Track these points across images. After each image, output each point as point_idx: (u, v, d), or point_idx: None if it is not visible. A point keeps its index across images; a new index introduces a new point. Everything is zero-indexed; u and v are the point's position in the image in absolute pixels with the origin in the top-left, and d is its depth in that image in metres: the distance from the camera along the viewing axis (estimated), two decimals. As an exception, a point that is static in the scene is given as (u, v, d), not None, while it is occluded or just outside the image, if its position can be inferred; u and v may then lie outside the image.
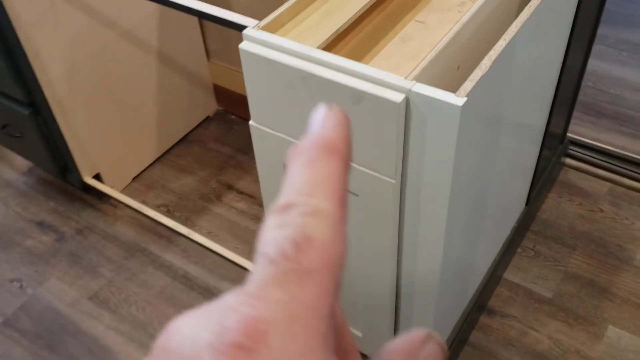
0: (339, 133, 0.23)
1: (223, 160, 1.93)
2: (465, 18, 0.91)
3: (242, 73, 1.85)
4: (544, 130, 1.41)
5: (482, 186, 1.08)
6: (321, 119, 0.23)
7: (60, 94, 1.52)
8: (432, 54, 0.85)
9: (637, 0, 2.45)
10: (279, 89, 0.91)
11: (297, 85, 0.88)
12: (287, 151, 0.23)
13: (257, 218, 1.74)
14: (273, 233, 0.21)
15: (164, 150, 1.95)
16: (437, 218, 0.92)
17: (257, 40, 0.90)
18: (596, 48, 2.21)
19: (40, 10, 1.40)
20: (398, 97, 0.79)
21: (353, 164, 0.92)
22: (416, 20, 0.96)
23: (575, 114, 1.94)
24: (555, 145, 1.67)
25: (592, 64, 2.16)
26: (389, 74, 0.81)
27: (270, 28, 0.93)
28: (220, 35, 1.88)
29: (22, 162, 1.96)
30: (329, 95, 0.85)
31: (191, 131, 2.02)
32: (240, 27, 0.94)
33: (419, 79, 0.81)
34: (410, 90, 0.79)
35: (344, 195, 0.22)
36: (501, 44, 0.85)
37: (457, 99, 0.77)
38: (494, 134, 1.02)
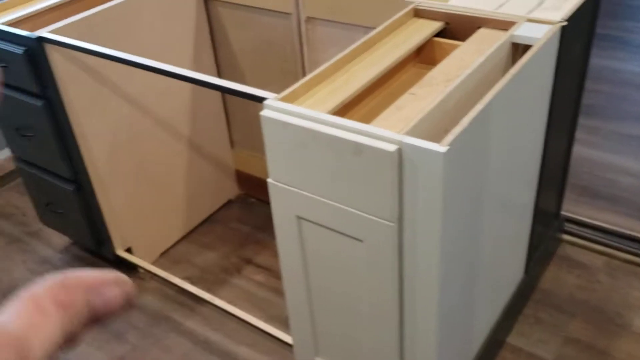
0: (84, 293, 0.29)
1: (243, 238, 2.08)
2: (448, 89, 1.09)
3: (262, 159, 2.04)
4: (533, 205, 1.55)
5: (473, 245, 1.22)
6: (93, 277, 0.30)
7: (102, 173, 1.72)
8: (420, 115, 1.02)
9: (626, 96, 2.66)
10: (293, 148, 1.08)
11: (308, 143, 1.05)
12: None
13: (274, 289, 1.86)
14: None
15: (190, 229, 2.11)
16: (432, 260, 1.05)
17: (275, 108, 1.09)
18: (590, 139, 2.39)
19: (90, 98, 1.62)
20: (392, 147, 0.95)
21: (358, 211, 1.07)
22: (409, 93, 1.14)
23: (571, 195, 2.09)
24: (548, 221, 1.80)
25: (587, 152, 2.34)
26: (384, 130, 0.98)
27: (287, 99, 1.12)
28: (242, 126, 2.10)
29: (59, 241, 2.13)
30: (335, 150, 1.02)
31: (215, 212, 2.19)
32: (262, 99, 1.12)
33: (409, 133, 0.98)
34: (402, 141, 0.96)
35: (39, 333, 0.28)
36: (478, 107, 1.02)
37: (440, 147, 0.93)
38: (479, 192, 1.16)
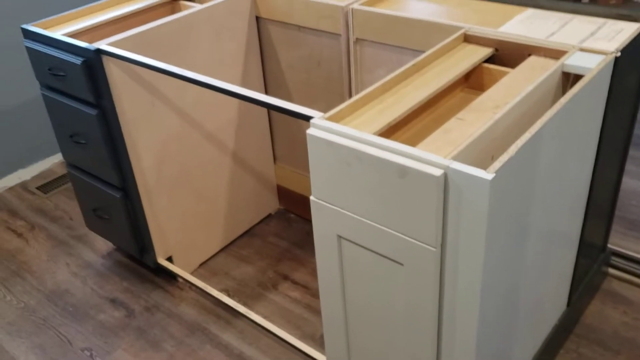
0: None
1: (281, 253, 2.09)
2: (497, 116, 1.08)
3: (304, 175, 2.05)
4: (578, 237, 1.52)
5: (515, 274, 1.20)
6: None
7: (149, 182, 1.76)
8: (468, 140, 1.02)
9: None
10: (337, 167, 1.09)
11: (352, 163, 1.06)
12: None
13: (310, 307, 1.86)
14: None
15: (229, 241, 2.14)
16: (473, 288, 1.03)
17: (321, 127, 1.10)
18: None
19: (142, 109, 1.67)
20: (438, 172, 0.95)
21: (400, 234, 1.06)
22: (457, 118, 1.14)
23: (619, 229, 2.04)
24: (594, 254, 1.75)
25: (637, 185, 2.28)
26: (431, 154, 0.98)
27: (334, 118, 1.13)
28: (286, 143, 2.12)
29: (102, 247, 2.18)
30: (379, 171, 1.02)
31: (254, 226, 2.21)
32: (308, 117, 1.14)
33: (456, 158, 0.97)
34: (448, 166, 0.95)
35: None
36: (527, 136, 1.01)
37: (487, 174, 0.92)
38: (524, 222, 1.15)
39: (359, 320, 1.28)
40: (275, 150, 2.18)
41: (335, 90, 1.84)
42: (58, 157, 2.72)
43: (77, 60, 1.55)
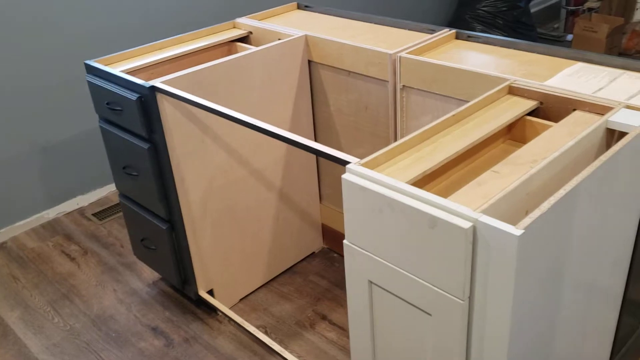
0: None
1: (320, 292, 2.10)
2: (533, 170, 1.08)
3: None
4: (622, 295, 1.47)
5: (547, 330, 1.17)
6: None
7: (195, 215, 1.81)
8: (500, 194, 1.02)
9: None
10: (370, 212, 1.10)
11: (384, 210, 1.07)
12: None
13: (345, 349, 1.85)
14: None
15: (271, 278, 2.16)
16: (500, 342, 1.02)
17: (357, 172, 1.12)
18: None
19: (193, 145, 1.73)
20: (466, 224, 0.95)
21: (429, 284, 1.06)
22: (492, 171, 1.14)
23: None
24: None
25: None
26: (460, 205, 0.98)
27: (370, 165, 1.15)
28: (332, 182, 2.15)
29: (149, 275, 2.25)
30: (410, 220, 1.03)
31: (297, 263, 2.23)
32: (345, 162, 1.16)
33: (486, 212, 0.97)
34: (477, 220, 0.95)
35: None
36: (561, 193, 1.00)
37: (515, 230, 0.92)
38: (557, 276, 1.12)
39: (387, 367, 1.27)
40: (322, 190, 2.21)
41: (382, 135, 1.86)
42: (112, 187, 2.84)
43: (133, 96, 1.63)
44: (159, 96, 1.62)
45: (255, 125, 1.36)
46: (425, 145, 1.24)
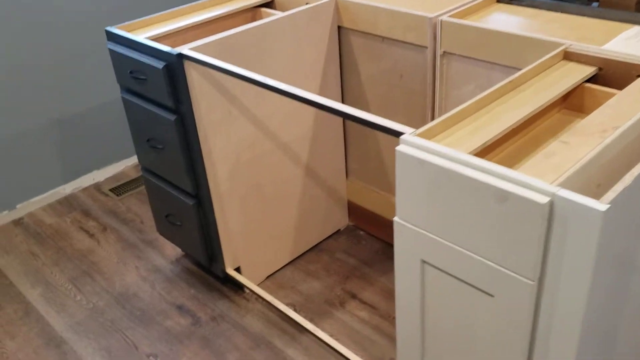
0: None
1: (348, 270, 2.02)
2: (608, 141, 0.99)
3: (376, 192, 1.98)
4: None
5: (615, 312, 1.09)
6: None
7: (222, 191, 1.73)
8: (576, 166, 0.93)
9: None
10: (427, 187, 1.02)
11: (445, 185, 0.99)
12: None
13: (378, 328, 1.79)
14: None
15: (297, 255, 2.09)
16: (571, 326, 0.94)
17: (412, 144, 1.03)
18: None
19: (220, 117, 1.65)
20: (543, 199, 0.87)
21: (493, 264, 0.98)
22: (560, 141, 1.05)
23: None
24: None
25: None
26: (535, 179, 0.89)
27: (425, 136, 1.07)
28: (360, 157, 2.06)
29: (171, 252, 2.18)
30: (475, 195, 0.95)
31: (322, 241, 2.16)
32: (398, 133, 1.08)
33: (564, 185, 0.89)
34: (555, 194, 0.87)
35: None
36: (643, 164, 0.92)
37: (600, 205, 0.83)
38: (630, 258, 1.04)
39: (437, 349, 1.20)
40: (348, 165, 2.13)
41: (417, 105, 1.77)
42: (131, 160, 2.76)
43: (159, 64, 1.54)
44: (187, 64, 1.53)
45: (296, 95, 1.27)
46: (481, 115, 1.15)
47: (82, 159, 2.61)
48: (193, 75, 1.55)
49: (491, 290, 1.02)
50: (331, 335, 1.77)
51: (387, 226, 2.09)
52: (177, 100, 1.58)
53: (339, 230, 2.22)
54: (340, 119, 2.01)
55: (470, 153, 1.03)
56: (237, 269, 1.90)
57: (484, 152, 1.13)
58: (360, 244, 2.15)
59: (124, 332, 1.86)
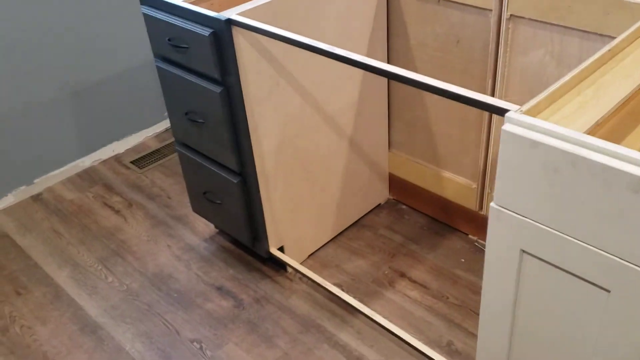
0: None
1: (394, 248, 1.93)
2: None
3: (419, 164, 1.87)
4: None
5: None
6: None
7: (268, 167, 1.62)
8: None
9: None
10: (540, 172, 0.91)
11: (563, 169, 0.88)
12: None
13: (432, 309, 1.70)
14: None
15: (338, 232, 1.99)
16: None
17: (521, 123, 0.92)
18: None
19: (268, 88, 1.52)
20: (691, 189, 0.76)
21: (615, 257, 0.88)
22: (682, 118, 0.94)
23: None
24: None
25: None
26: (680, 165, 0.79)
27: (531, 113, 0.95)
28: (405, 128, 1.95)
29: (204, 229, 2.08)
30: (602, 182, 0.84)
31: (363, 216, 2.06)
32: (501, 111, 0.96)
33: None
34: None
35: None
36: None
37: None
38: None
39: (531, 351, 1.11)
40: (391, 136, 2.01)
41: (474, 73, 1.65)
42: (151, 131, 2.64)
43: (205, 32, 1.41)
44: (235, 31, 1.40)
45: (368, 65, 1.14)
46: (584, 88, 1.03)
47: (100, 130, 2.48)
48: (241, 43, 1.42)
49: (607, 284, 0.92)
50: (383, 317, 1.69)
51: (431, 200, 1.99)
52: (224, 72, 1.45)
53: (380, 204, 2.11)
54: (385, 88, 1.89)
55: (585, 132, 0.92)
56: (281, 249, 1.80)
57: (593, 130, 1.02)
58: (403, 218, 2.05)
59: (162, 316, 1.76)
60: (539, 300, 1.04)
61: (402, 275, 1.83)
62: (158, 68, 1.63)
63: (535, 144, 0.90)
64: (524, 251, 1.01)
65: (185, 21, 1.46)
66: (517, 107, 0.96)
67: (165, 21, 1.50)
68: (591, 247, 0.91)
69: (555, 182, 0.90)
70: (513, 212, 0.99)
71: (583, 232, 0.91)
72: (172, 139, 2.59)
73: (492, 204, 1.02)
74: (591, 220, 0.89)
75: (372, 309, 1.71)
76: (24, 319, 1.80)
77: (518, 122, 0.93)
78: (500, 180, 0.98)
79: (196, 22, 1.44)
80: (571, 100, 1.00)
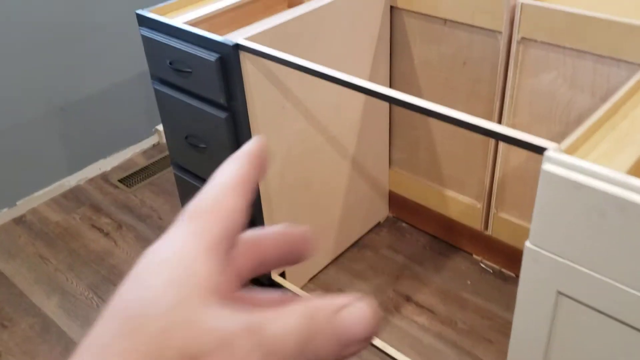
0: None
1: (397, 269, 1.89)
2: None
3: (420, 182, 1.82)
4: None
5: None
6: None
7: (271, 190, 1.57)
8: None
9: None
10: (583, 214, 0.87)
11: (609, 213, 0.84)
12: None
13: (441, 336, 1.67)
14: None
15: (339, 253, 1.94)
16: None
17: (562, 163, 0.88)
18: None
19: (274, 112, 1.47)
20: None
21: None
22: None
23: None
24: None
25: None
26: None
27: (569, 151, 0.92)
28: (406, 146, 1.91)
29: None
30: (653, 228, 0.81)
31: (363, 235, 2.02)
32: (538, 149, 0.93)
33: None
34: None
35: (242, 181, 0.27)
36: None
37: None
38: None
39: (559, 383, 1.08)
40: (391, 154, 1.97)
41: (481, 94, 1.62)
42: (140, 147, 2.55)
43: (211, 57, 1.34)
44: (242, 56, 1.34)
45: (379, 93, 1.10)
46: (617, 121, 1.01)
47: (86, 147, 2.39)
48: (248, 67, 1.36)
49: (652, 329, 0.89)
50: (391, 345, 1.64)
51: (433, 218, 1.96)
52: (229, 96, 1.39)
53: (379, 222, 2.07)
54: (387, 107, 1.85)
55: (627, 171, 0.89)
56: (282, 274, 1.75)
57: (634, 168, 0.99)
58: (404, 237, 2.01)
59: (161, 347, 1.69)
60: (574, 342, 1.01)
61: (408, 299, 1.79)
62: (156, 90, 1.56)
63: (579, 186, 0.86)
64: (560, 292, 0.98)
65: (189, 45, 1.40)
66: (555, 144, 0.92)
67: (166, 44, 1.44)
68: (633, 291, 0.88)
69: (602, 226, 0.87)
70: (551, 253, 0.95)
71: (629, 279, 0.88)
72: (161, 156, 2.51)
73: (527, 243, 0.98)
74: (637, 264, 0.86)
75: (379, 337, 1.67)
76: (11, 354, 1.70)
77: (558, 162, 0.89)
78: (538, 220, 0.94)
79: (201, 46, 1.38)
80: (606, 136, 0.98)
